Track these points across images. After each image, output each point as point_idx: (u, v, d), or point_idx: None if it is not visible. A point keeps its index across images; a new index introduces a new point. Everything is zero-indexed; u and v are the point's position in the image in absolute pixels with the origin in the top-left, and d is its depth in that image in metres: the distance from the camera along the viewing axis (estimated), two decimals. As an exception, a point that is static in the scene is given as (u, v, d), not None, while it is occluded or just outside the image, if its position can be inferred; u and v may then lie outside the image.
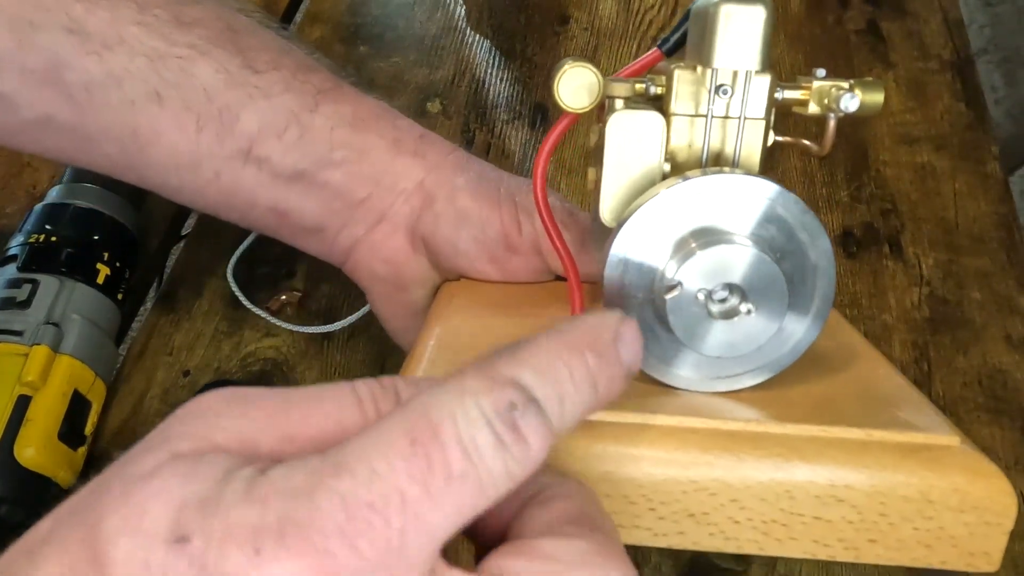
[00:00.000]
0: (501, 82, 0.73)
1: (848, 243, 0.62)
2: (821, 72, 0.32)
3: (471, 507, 0.19)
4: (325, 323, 0.58)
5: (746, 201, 0.28)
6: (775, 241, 0.29)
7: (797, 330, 0.30)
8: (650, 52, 0.33)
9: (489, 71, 0.74)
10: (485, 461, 0.19)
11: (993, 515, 0.27)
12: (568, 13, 0.78)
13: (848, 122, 0.71)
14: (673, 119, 0.31)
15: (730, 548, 0.27)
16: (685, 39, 0.33)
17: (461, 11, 0.79)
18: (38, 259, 0.52)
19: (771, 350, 0.30)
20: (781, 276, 0.28)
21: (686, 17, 0.33)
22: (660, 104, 0.32)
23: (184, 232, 0.67)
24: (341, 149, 0.40)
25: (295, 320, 0.58)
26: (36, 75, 0.36)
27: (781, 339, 0.30)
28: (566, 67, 0.30)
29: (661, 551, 0.49)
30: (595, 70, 0.30)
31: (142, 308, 0.63)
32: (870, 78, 0.32)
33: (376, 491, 0.18)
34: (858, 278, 0.60)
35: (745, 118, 0.31)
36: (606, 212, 0.32)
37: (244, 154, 0.39)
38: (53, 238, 0.53)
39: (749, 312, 0.28)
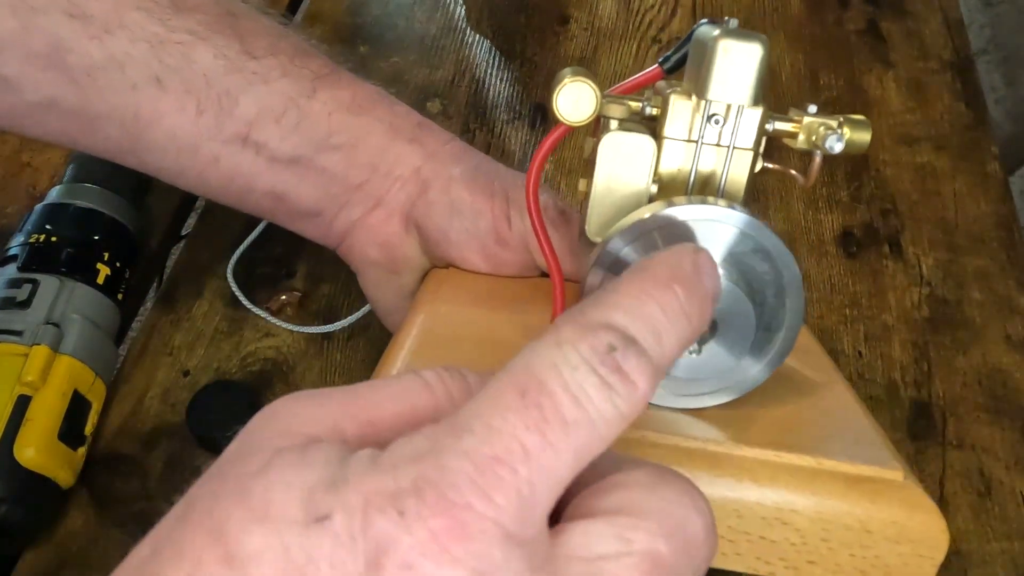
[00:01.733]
0: (501, 82, 0.73)
1: (848, 243, 0.62)
2: (812, 108, 0.33)
3: (588, 451, 0.19)
4: (325, 323, 0.58)
5: (726, 232, 0.29)
6: (750, 273, 0.29)
7: (759, 362, 0.31)
8: (651, 69, 0.34)
9: (489, 71, 0.74)
10: (595, 404, 0.19)
11: (926, 548, 0.28)
12: (568, 13, 0.78)
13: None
14: (665, 142, 0.32)
15: None
16: (687, 58, 0.34)
17: (461, 11, 0.79)
18: (38, 259, 0.52)
19: (737, 374, 0.30)
20: (751, 309, 0.29)
21: (689, 36, 0.34)
22: (654, 125, 0.32)
23: (184, 232, 0.67)
24: (339, 134, 0.40)
25: (295, 320, 0.58)
26: (39, 59, 0.37)
27: (744, 367, 0.30)
28: (566, 80, 0.31)
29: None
30: (594, 85, 0.31)
31: (142, 308, 0.63)
32: (859, 116, 0.33)
33: (498, 445, 0.19)
34: (858, 278, 0.60)
35: (734, 148, 0.31)
36: (592, 228, 0.33)
37: (242, 138, 0.40)
38: (53, 238, 0.53)
39: (715, 342, 0.29)
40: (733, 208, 0.28)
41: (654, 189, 0.32)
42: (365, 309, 0.58)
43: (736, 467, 0.28)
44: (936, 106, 0.70)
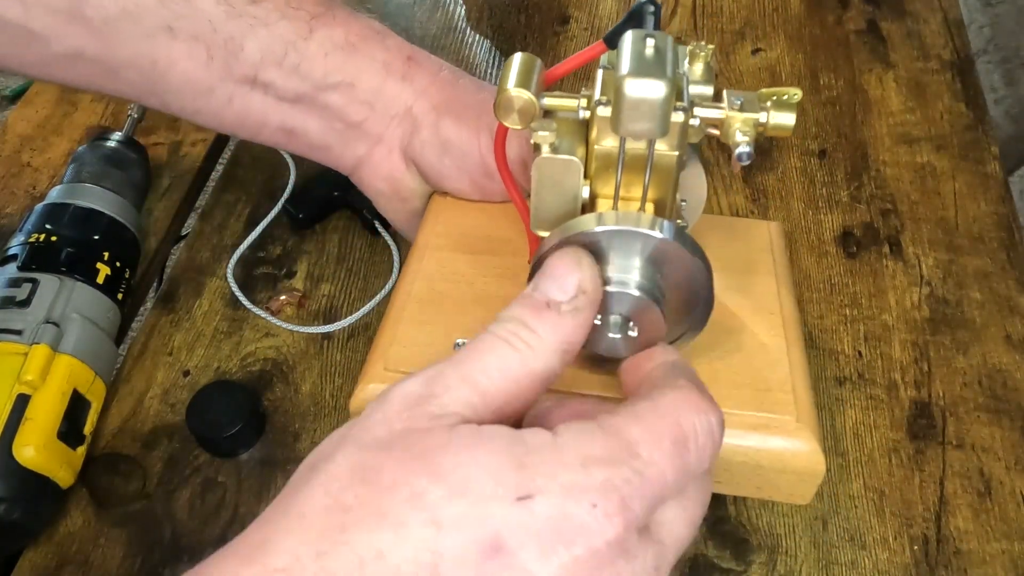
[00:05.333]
0: (501, 82, 0.73)
1: (848, 243, 0.62)
2: (737, 101, 0.35)
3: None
4: (325, 323, 0.58)
5: (642, 245, 0.33)
6: (667, 270, 0.34)
7: (682, 329, 0.36)
8: (595, 44, 0.36)
9: (489, 71, 0.74)
10: (706, 459, 0.28)
11: (808, 475, 0.37)
12: (568, 13, 0.79)
13: (848, 121, 0.71)
14: (595, 148, 0.35)
15: None
16: (631, 27, 0.35)
17: (461, 11, 0.79)
18: (38, 258, 0.52)
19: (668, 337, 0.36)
20: (661, 315, 0.34)
21: (631, 14, 0.35)
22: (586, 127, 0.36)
23: (184, 232, 0.67)
24: (335, 73, 0.43)
25: (295, 320, 0.58)
26: (61, 13, 0.40)
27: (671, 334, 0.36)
28: (507, 92, 0.34)
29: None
30: (531, 97, 0.34)
31: (142, 308, 0.63)
32: (789, 96, 0.35)
33: (655, 473, 0.26)
34: (858, 278, 0.60)
35: (654, 154, 0.34)
36: (536, 224, 0.38)
37: (251, 80, 0.43)
38: (53, 238, 0.53)
39: (634, 333, 0.34)
40: (651, 228, 0.32)
41: (585, 194, 0.36)
42: (365, 309, 0.58)
43: None
44: (936, 106, 0.70)
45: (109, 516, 0.50)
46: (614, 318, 0.34)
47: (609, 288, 0.33)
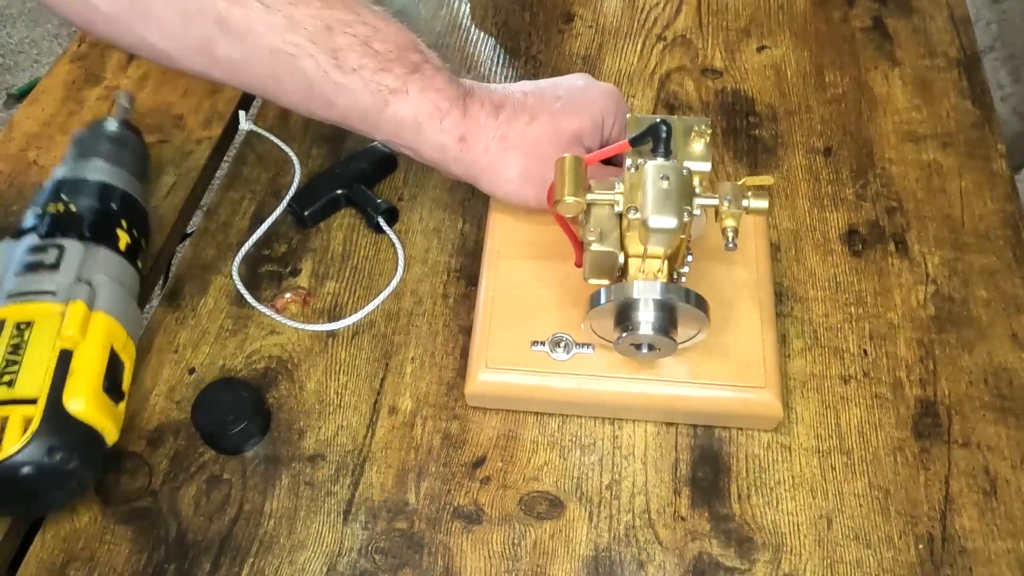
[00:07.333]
0: (506, 80, 0.72)
1: (853, 241, 0.62)
2: (728, 200, 0.46)
3: None
4: (329, 321, 0.58)
5: (662, 302, 0.47)
6: (674, 310, 0.47)
7: (688, 338, 0.50)
8: (622, 143, 0.47)
9: (494, 69, 0.74)
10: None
11: (770, 418, 0.52)
12: (573, 11, 0.78)
13: (854, 119, 0.71)
14: (627, 234, 0.48)
15: (607, 415, 0.54)
16: (649, 138, 0.46)
17: (466, 9, 0.79)
18: (61, 226, 0.53)
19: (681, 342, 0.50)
20: (675, 344, 0.48)
21: (649, 128, 0.46)
22: (622, 214, 0.47)
23: (189, 230, 0.67)
24: (403, 140, 0.53)
25: (299, 318, 0.58)
26: (194, 48, 0.50)
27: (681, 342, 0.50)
28: (564, 200, 0.46)
29: (666, 551, 0.49)
30: (581, 200, 0.46)
31: (148, 306, 0.63)
32: (764, 182, 0.48)
33: None
34: (863, 276, 0.60)
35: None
36: (588, 277, 0.50)
37: (340, 122, 0.53)
38: (72, 207, 0.54)
39: (656, 351, 0.50)
40: (668, 294, 0.47)
41: (621, 260, 0.48)
42: (369, 307, 0.58)
43: (666, 384, 0.52)
44: (942, 103, 0.70)
45: (115, 513, 0.50)
46: (641, 345, 0.49)
47: (640, 331, 0.47)
